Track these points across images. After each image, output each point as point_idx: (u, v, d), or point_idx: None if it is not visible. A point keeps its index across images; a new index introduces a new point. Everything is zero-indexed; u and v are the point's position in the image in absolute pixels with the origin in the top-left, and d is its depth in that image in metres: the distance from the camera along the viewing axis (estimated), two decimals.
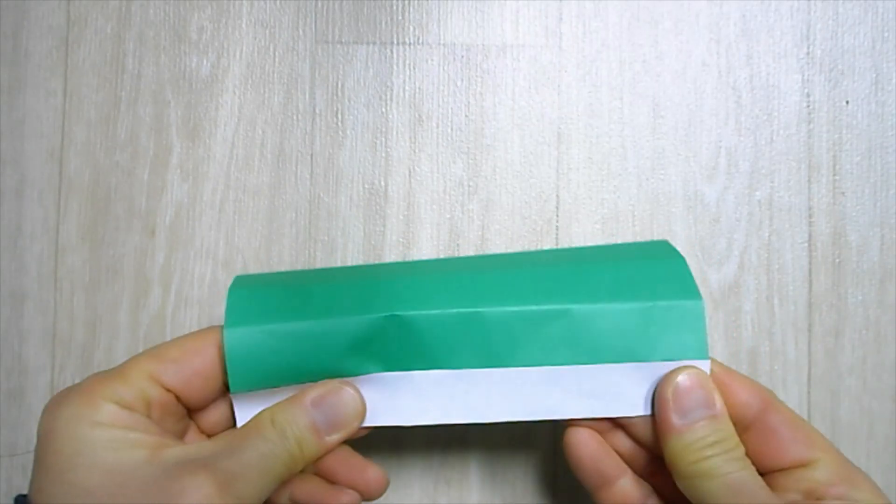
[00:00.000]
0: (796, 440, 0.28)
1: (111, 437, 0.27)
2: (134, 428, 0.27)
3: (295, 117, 0.37)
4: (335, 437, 0.29)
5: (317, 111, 0.37)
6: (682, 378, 0.28)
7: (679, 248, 0.36)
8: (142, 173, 0.37)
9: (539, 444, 0.36)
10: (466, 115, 0.37)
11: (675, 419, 0.28)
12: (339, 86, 0.37)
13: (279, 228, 0.37)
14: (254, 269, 0.36)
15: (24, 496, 0.28)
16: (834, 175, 0.37)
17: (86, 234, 0.36)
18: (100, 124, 0.37)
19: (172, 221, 0.37)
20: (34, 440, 0.36)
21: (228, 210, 0.37)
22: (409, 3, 0.37)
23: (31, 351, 0.36)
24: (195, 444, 0.28)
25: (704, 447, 0.27)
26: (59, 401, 0.28)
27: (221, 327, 0.29)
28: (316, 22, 0.37)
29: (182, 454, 0.27)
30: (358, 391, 0.29)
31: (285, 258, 0.37)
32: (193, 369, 0.29)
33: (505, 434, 0.36)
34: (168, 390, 0.28)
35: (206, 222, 0.37)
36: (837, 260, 0.37)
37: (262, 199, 0.37)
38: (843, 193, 0.37)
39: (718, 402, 0.28)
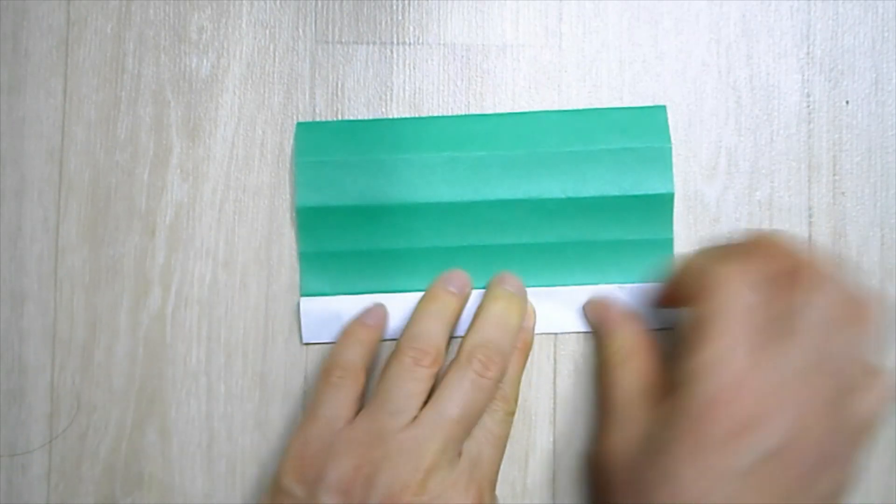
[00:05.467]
0: None
1: None
2: None
3: (295, 117, 0.37)
4: None
5: (317, 111, 0.37)
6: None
7: (679, 249, 0.36)
8: (142, 173, 0.37)
9: (539, 443, 0.36)
10: None
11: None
12: (339, 86, 0.37)
13: (279, 228, 0.37)
14: (254, 269, 0.36)
15: None
16: (834, 175, 0.37)
17: (86, 234, 0.36)
18: (100, 124, 0.37)
19: (172, 221, 0.37)
20: (34, 440, 0.36)
21: (228, 210, 0.37)
22: (409, 3, 0.37)
23: (31, 351, 0.36)
24: None
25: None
26: None
27: None
28: (316, 22, 0.37)
29: None
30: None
31: (285, 258, 0.37)
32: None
33: None
34: None
35: (206, 222, 0.37)
36: (837, 260, 0.37)
37: (262, 199, 0.37)
38: (843, 193, 0.37)
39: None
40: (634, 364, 0.33)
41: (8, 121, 0.37)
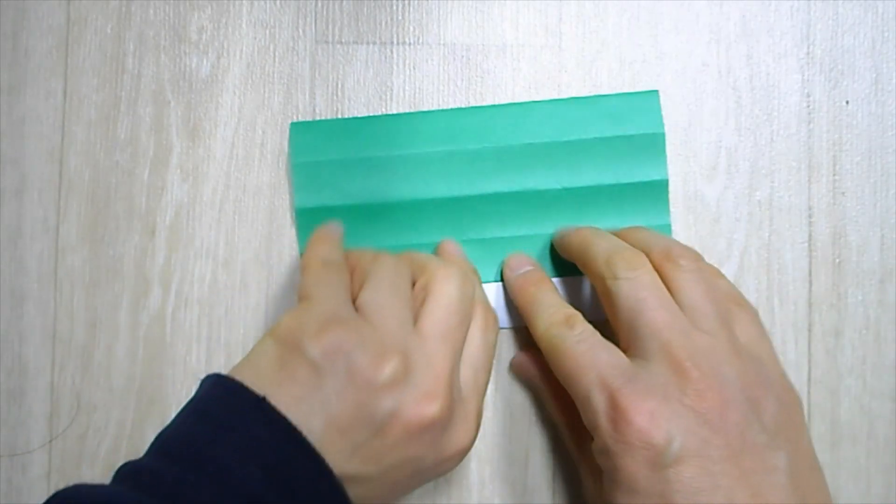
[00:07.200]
0: None
1: None
2: None
3: (295, 117, 0.37)
4: None
5: (317, 111, 0.37)
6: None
7: None
8: (142, 173, 0.37)
9: (539, 443, 0.36)
10: None
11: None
12: (339, 86, 0.37)
13: (279, 228, 0.37)
14: (253, 269, 0.36)
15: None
16: (834, 175, 0.37)
17: (86, 234, 0.36)
18: (100, 124, 0.37)
19: (172, 221, 0.37)
20: (34, 440, 0.36)
21: (228, 210, 0.37)
22: (409, 3, 0.37)
23: (31, 351, 0.36)
24: None
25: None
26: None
27: None
28: (316, 22, 0.37)
29: None
30: None
31: (285, 258, 0.37)
32: None
33: (505, 433, 0.36)
34: None
35: (206, 222, 0.37)
36: (837, 260, 0.37)
37: (262, 199, 0.37)
38: (843, 193, 0.37)
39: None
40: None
41: (8, 121, 0.37)
